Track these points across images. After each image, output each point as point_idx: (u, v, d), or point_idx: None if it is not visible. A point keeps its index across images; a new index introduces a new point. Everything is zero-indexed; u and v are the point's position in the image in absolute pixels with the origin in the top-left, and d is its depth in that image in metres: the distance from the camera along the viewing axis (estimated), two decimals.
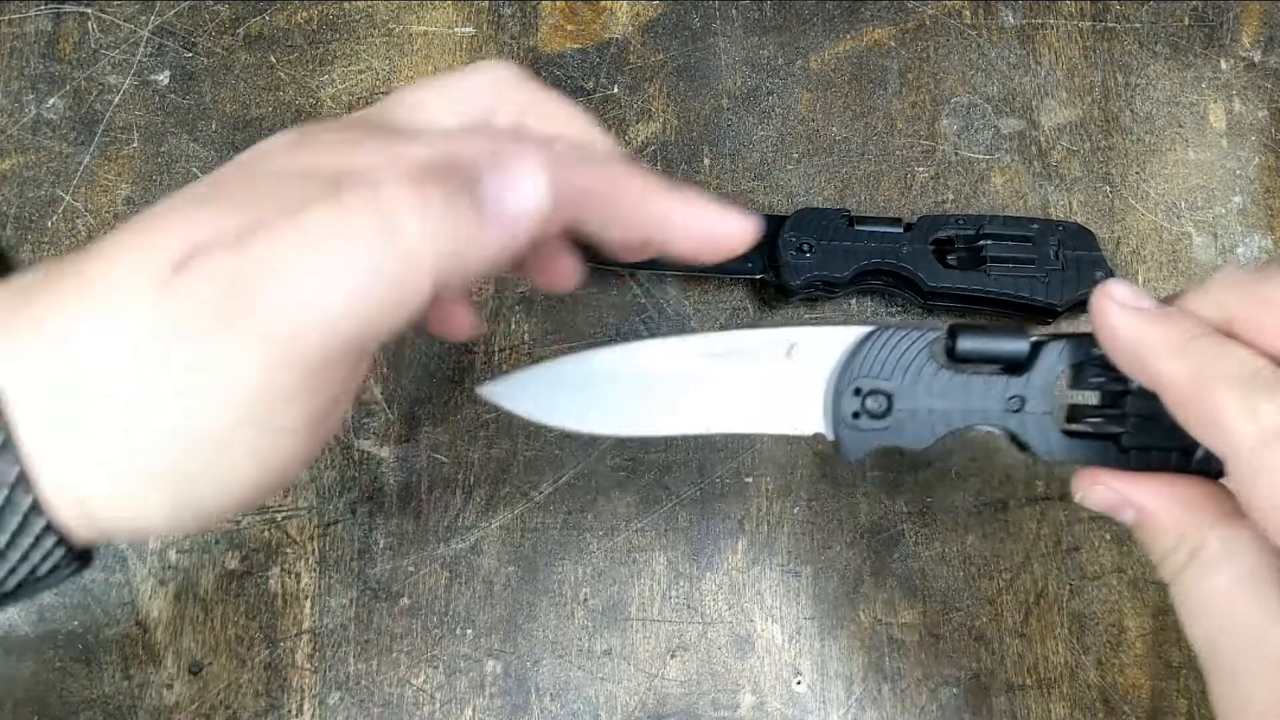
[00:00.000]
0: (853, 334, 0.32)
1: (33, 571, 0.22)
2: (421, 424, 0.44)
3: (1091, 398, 0.31)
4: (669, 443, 0.44)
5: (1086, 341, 0.30)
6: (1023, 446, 0.31)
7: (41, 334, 0.21)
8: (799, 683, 0.42)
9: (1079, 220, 0.46)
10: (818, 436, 0.32)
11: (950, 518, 0.43)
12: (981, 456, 0.44)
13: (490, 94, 0.28)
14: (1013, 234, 0.43)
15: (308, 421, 0.22)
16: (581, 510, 0.43)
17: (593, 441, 0.44)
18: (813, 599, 0.43)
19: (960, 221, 0.44)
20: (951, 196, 0.47)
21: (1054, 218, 0.46)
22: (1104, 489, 0.29)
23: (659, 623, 0.42)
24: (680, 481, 0.44)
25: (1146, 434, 0.29)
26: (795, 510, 0.43)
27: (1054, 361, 0.30)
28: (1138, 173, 0.47)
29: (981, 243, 0.43)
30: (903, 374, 0.31)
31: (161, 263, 0.21)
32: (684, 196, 0.27)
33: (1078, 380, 0.31)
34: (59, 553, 0.22)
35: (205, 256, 0.21)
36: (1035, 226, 0.44)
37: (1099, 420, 0.30)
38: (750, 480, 0.44)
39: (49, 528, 0.21)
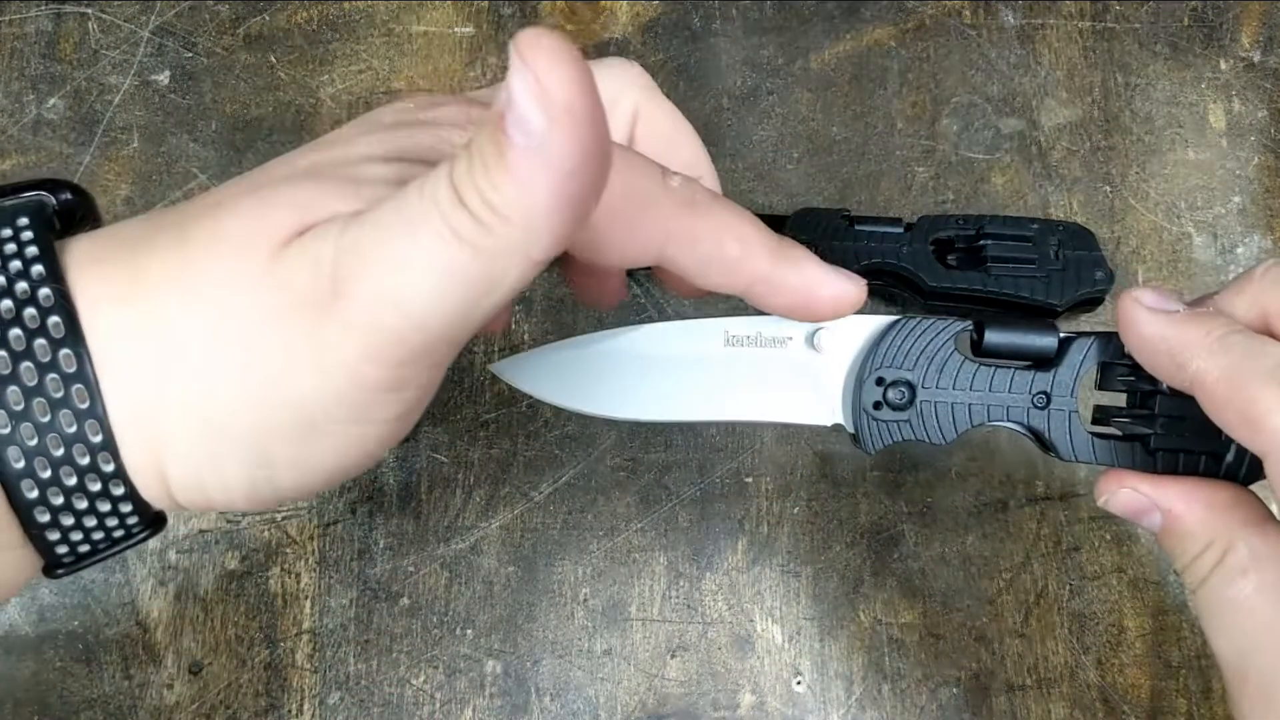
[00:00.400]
0: (877, 322, 0.31)
1: (107, 535, 0.22)
2: (421, 424, 0.44)
3: (1119, 400, 0.31)
4: (669, 442, 0.44)
5: (1116, 339, 0.29)
6: (1046, 446, 0.30)
7: (140, 293, 0.20)
8: (799, 683, 0.42)
9: (1079, 220, 0.46)
10: (837, 428, 0.32)
11: (950, 518, 0.43)
12: (981, 456, 0.44)
13: (610, 92, 0.27)
14: (1013, 234, 0.43)
15: (393, 415, 0.22)
16: (581, 510, 0.43)
17: (593, 441, 0.44)
18: (813, 599, 0.43)
19: (960, 221, 0.44)
20: (951, 196, 0.47)
21: (1054, 218, 0.46)
22: (1130, 492, 0.28)
23: (659, 623, 0.42)
24: (680, 481, 0.44)
25: (1176, 436, 0.29)
26: (795, 510, 0.43)
27: (1082, 358, 0.30)
28: (1138, 173, 0.47)
29: (982, 243, 0.43)
30: (926, 365, 0.30)
31: (269, 239, 0.20)
32: (790, 254, 0.26)
33: (1106, 381, 0.30)
34: (134, 519, 0.22)
35: (310, 240, 0.20)
36: (1035, 226, 0.44)
37: (1126, 421, 0.30)
38: (750, 480, 0.44)
39: (127, 494, 0.21)
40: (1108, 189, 0.47)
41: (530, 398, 0.31)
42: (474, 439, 0.44)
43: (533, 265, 0.20)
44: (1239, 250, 0.47)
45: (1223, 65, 0.49)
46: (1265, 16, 0.49)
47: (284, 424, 0.21)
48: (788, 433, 0.44)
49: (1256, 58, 0.49)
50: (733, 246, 0.25)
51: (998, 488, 0.44)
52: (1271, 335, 0.26)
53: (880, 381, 0.31)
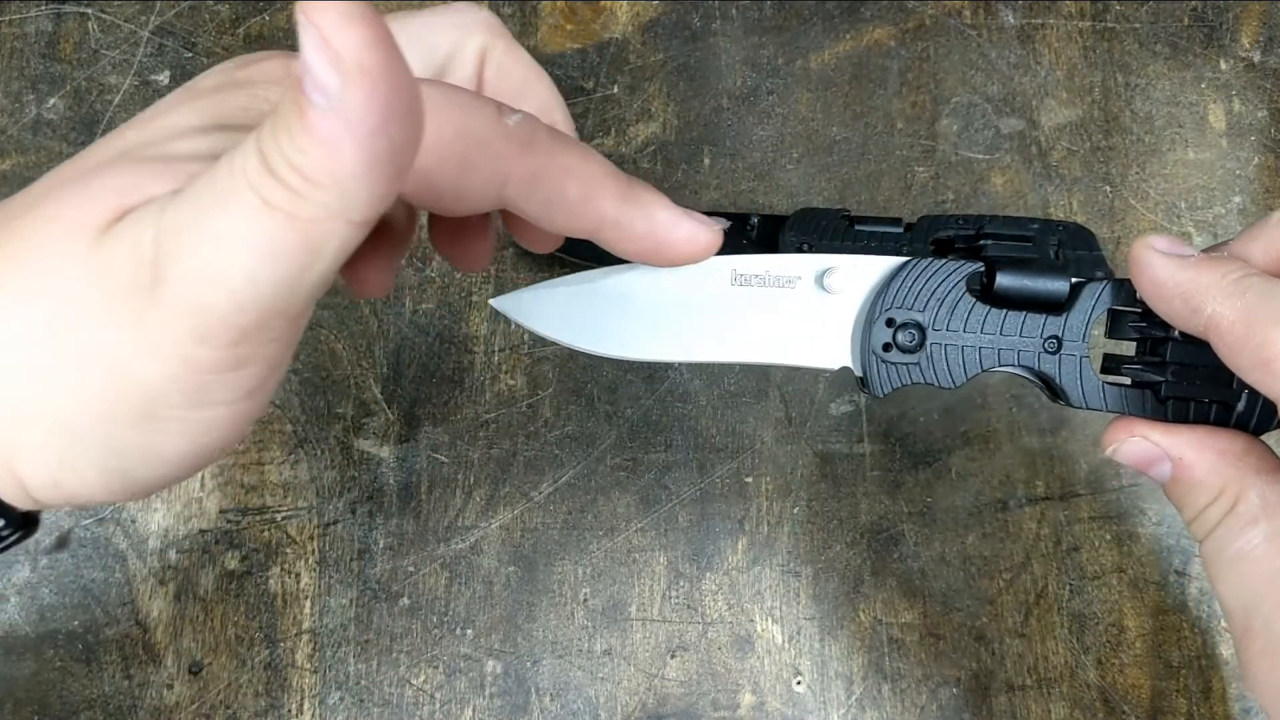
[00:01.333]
0: (888, 264, 0.31)
1: None
2: (421, 424, 0.44)
3: (1130, 350, 0.30)
4: (669, 442, 0.44)
5: (1128, 285, 0.29)
6: (1055, 393, 0.30)
7: None
8: (799, 683, 0.42)
9: (1079, 220, 0.46)
10: (844, 371, 0.31)
11: (950, 518, 0.43)
12: (981, 456, 0.44)
13: (452, 39, 0.26)
14: (1013, 234, 0.43)
15: (238, 395, 0.21)
16: (581, 510, 0.43)
17: (593, 441, 0.44)
18: (813, 599, 0.43)
19: (960, 221, 0.44)
20: (951, 196, 0.47)
21: (1054, 218, 0.46)
22: (1140, 440, 0.27)
23: (659, 623, 0.42)
24: (680, 481, 0.44)
25: (1186, 384, 0.28)
26: (795, 510, 0.43)
27: (1093, 303, 0.29)
28: (1138, 173, 0.47)
29: (982, 242, 0.43)
30: (937, 306, 0.30)
31: (89, 228, 0.20)
32: (638, 196, 0.25)
33: (1116, 328, 0.30)
34: None
35: (129, 224, 0.20)
36: (1035, 226, 0.43)
37: (1137, 368, 0.29)
38: (750, 480, 0.44)
39: None
40: (1108, 189, 0.47)
41: (530, 332, 0.30)
42: (474, 439, 0.44)
43: (355, 228, 0.19)
44: None
45: (1223, 65, 0.49)
46: (1265, 16, 0.49)
47: (127, 415, 0.20)
48: (788, 433, 0.44)
49: (1256, 58, 0.49)
50: (574, 187, 0.24)
51: (998, 488, 0.44)
52: None
53: (890, 323, 0.30)
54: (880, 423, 0.44)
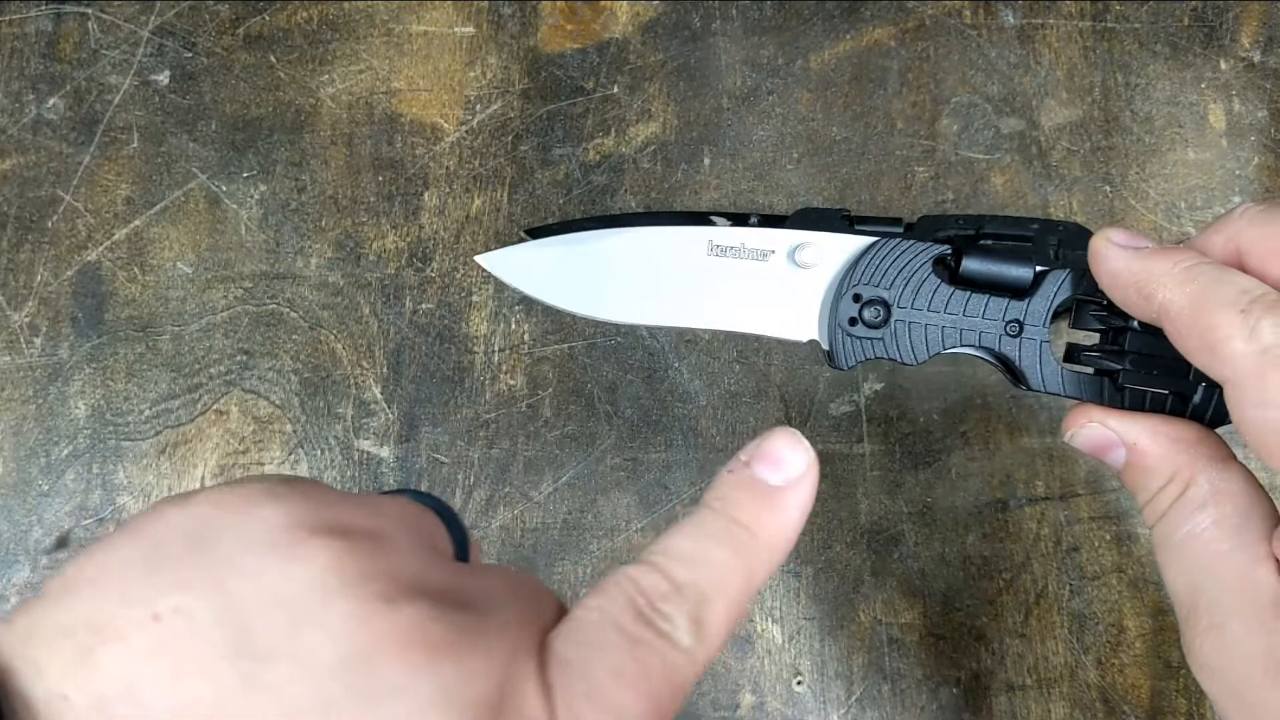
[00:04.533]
0: (859, 242, 0.32)
1: None
2: (421, 424, 0.44)
3: (1091, 339, 0.31)
4: (669, 442, 0.44)
5: (1091, 274, 0.29)
6: (1016, 378, 0.31)
7: None
8: (799, 683, 0.42)
9: (1079, 220, 0.46)
10: (812, 344, 0.32)
11: (950, 518, 0.43)
12: (981, 456, 0.44)
13: None
14: (1013, 234, 0.43)
15: None
16: (581, 510, 0.43)
17: (593, 441, 0.44)
18: (813, 599, 0.43)
19: (960, 221, 0.44)
20: (951, 196, 0.47)
21: (1054, 218, 0.46)
22: (1097, 426, 0.28)
23: None
24: (680, 481, 0.44)
25: (1144, 373, 0.29)
26: None
27: (1056, 289, 0.30)
28: (1138, 173, 0.47)
29: (982, 242, 0.43)
30: (903, 285, 0.31)
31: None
32: None
33: (1080, 318, 0.30)
34: None
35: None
36: (1035, 226, 0.43)
37: (1097, 356, 0.30)
38: None
39: None
40: (1108, 189, 0.47)
41: (514, 290, 0.31)
42: (474, 439, 0.44)
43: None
44: None
45: (1223, 65, 0.49)
46: (1265, 16, 0.49)
47: None
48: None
49: (1256, 58, 0.49)
50: None
51: (998, 488, 0.44)
52: (1245, 270, 0.25)
53: (857, 298, 0.31)
54: (880, 423, 0.44)
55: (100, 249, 0.46)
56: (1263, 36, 0.49)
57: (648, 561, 0.22)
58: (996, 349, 0.30)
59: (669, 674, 0.20)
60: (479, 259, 0.32)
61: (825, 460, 0.44)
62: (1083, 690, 0.42)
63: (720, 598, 0.22)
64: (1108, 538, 0.43)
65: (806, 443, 0.25)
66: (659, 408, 0.44)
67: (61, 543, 0.43)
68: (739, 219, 0.43)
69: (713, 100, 0.48)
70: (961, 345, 0.31)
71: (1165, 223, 0.47)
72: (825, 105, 0.48)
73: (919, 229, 0.43)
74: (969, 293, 0.31)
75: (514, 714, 0.18)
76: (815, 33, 0.49)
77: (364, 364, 0.45)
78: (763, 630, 0.42)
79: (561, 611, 0.22)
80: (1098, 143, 0.48)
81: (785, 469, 0.25)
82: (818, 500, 0.44)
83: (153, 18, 0.48)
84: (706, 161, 0.47)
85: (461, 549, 0.24)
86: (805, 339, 0.32)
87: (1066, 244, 0.43)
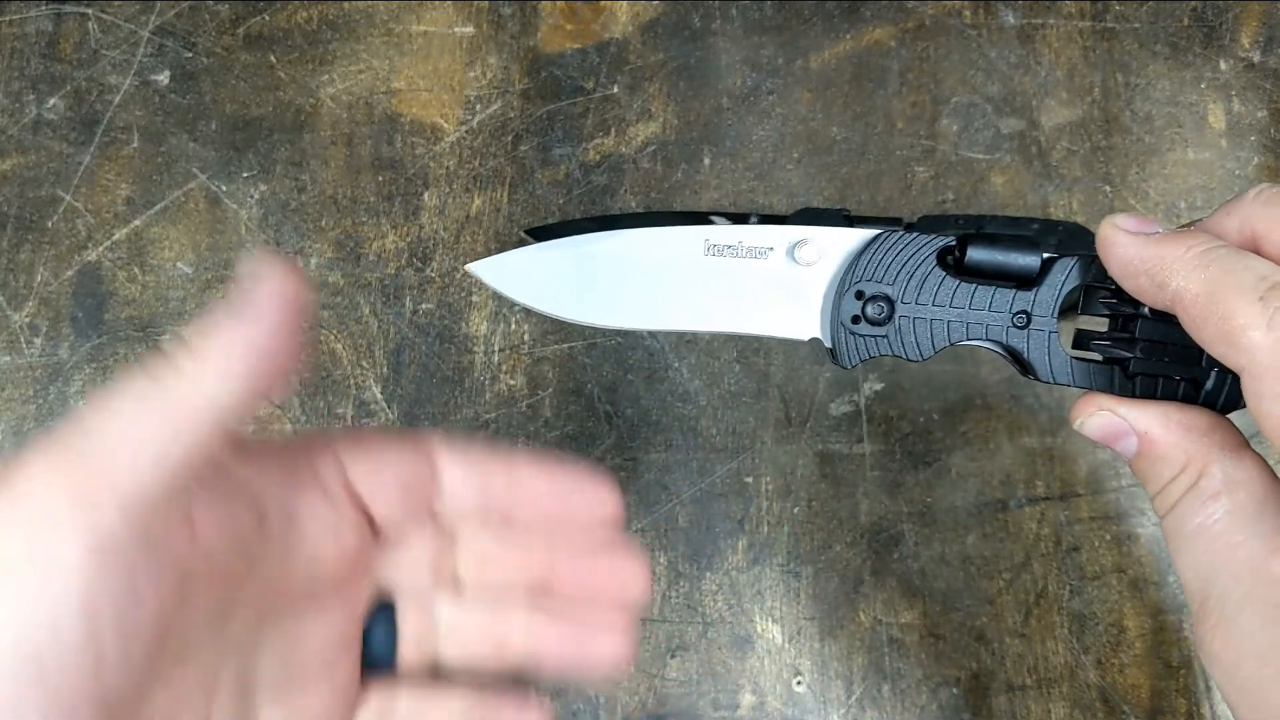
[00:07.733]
0: (860, 236, 0.31)
1: None
2: (421, 424, 0.44)
3: (1101, 325, 0.30)
4: (669, 442, 0.44)
5: (1099, 260, 0.29)
6: (1025, 368, 0.30)
7: None
8: (799, 683, 0.42)
9: (1079, 220, 0.46)
10: (814, 342, 0.31)
11: (950, 518, 0.43)
12: (981, 456, 0.44)
13: None
14: (1013, 234, 0.43)
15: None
16: None
17: (593, 441, 0.44)
18: (813, 599, 0.43)
19: (961, 221, 0.44)
20: (951, 196, 0.47)
21: (1054, 218, 0.46)
22: (1107, 415, 0.27)
23: (659, 623, 0.42)
24: (680, 481, 0.44)
25: (1155, 360, 0.28)
26: (795, 510, 0.43)
27: (1064, 278, 0.29)
28: (1138, 173, 0.47)
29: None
30: (907, 280, 0.30)
31: None
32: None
33: (1088, 305, 0.30)
34: None
35: None
36: (1035, 226, 0.43)
37: (1106, 344, 0.29)
38: (750, 480, 0.44)
39: None
40: (1108, 189, 0.47)
41: (506, 299, 0.30)
42: (474, 439, 0.44)
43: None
44: None
45: (1223, 65, 0.49)
46: (1265, 16, 0.49)
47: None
48: (788, 433, 0.44)
49: (1256, 58, 0.49)
50: None
51: (998, 488, 0.44)
52: (1260, 254, 0.25)
53: (860, 295, 0.30)
54: (880, 423, 0.44)
55: (100, 249, 0.46)
56: (1263, 36, 0.49)
57: None
58: (1004, 341, 0.30)
59: None
60: (469, 268, 0.31)
61: (825, 460, 0.44)
62: (1083, 690, 0.42)
63: None
64: (1108, 538, 0.43)
65: None
66: (659, 408, 0.44)
67: None
68: (739, 219, 0.43)
69: (713, 100, 0.48)
70: (969, 339, 0.30)
71: (1165, 223, 0.47)
72: (825, 105, 0.48)
73: (919, 229, 0.43)
74: (975, 285, 0.30)
75: None
76: (815, 33, 0.49)
77: (364, 364, 0.45)
78: (763, 630, 0.42)
79: None
80: (1098, 143, 0.48)
81: None
82: (818, 500, 0.44)
83: (153, 18, 0.48)
84: (706, 161, 0.47)
85: None
86: (807, 337, 0.31)
87: (1066, 244, 0.43)
